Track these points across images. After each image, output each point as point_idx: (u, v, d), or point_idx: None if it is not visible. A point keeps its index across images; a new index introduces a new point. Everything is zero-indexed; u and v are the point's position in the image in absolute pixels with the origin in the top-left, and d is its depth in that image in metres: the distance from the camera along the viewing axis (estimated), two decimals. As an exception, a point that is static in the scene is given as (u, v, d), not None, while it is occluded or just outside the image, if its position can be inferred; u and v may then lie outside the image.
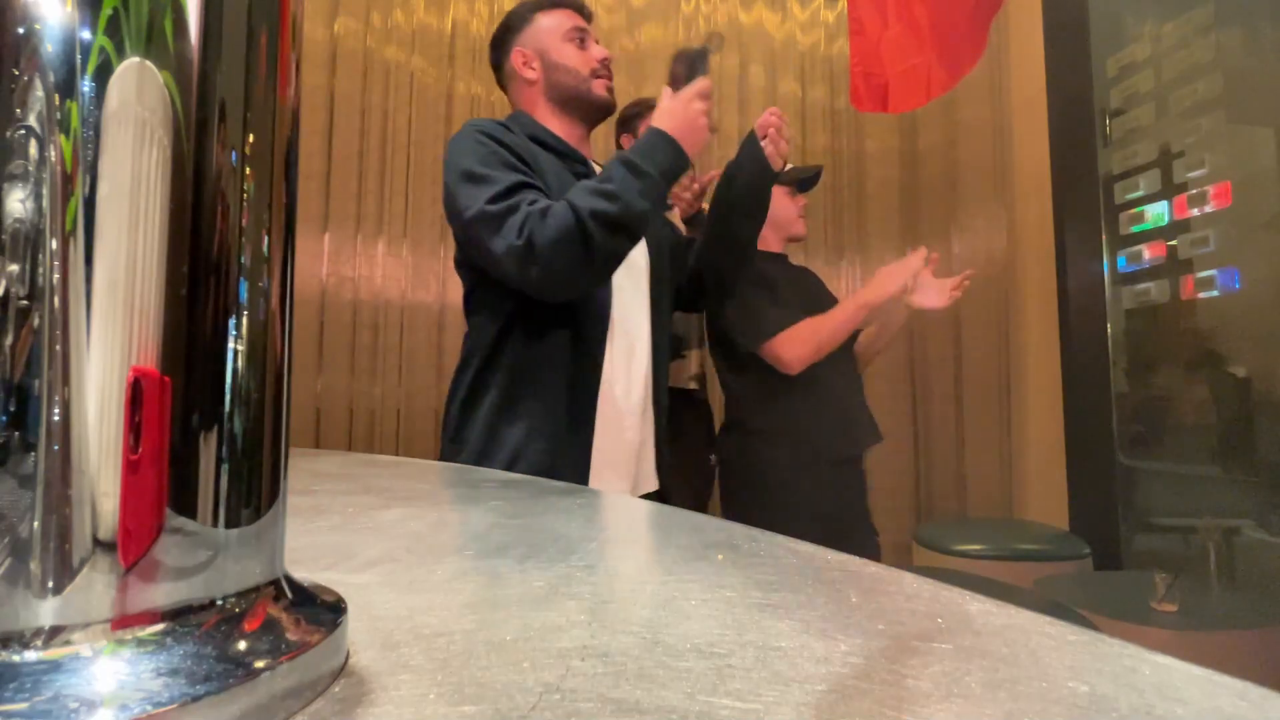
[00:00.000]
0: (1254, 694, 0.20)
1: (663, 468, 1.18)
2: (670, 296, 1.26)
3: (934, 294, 1.60)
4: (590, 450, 1.03)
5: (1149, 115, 2.18)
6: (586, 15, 1.21)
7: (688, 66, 1.07)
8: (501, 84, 1.25)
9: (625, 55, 2.71)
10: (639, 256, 1.16)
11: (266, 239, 0.20)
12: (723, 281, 1.35)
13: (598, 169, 1.16)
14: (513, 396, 1.03)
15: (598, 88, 1.17)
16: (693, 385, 1.74)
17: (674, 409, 1.31)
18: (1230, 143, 1.94)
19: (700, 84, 1.02)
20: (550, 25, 1.18)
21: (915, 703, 0.19)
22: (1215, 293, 1.96)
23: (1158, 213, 2.13)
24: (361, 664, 0.21)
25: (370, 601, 0.27)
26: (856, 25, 1.98)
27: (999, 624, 0.26)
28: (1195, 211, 2.02)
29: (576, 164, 1.14)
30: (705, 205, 1.60)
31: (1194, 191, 2.02)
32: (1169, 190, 2.10)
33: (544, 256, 0.93)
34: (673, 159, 1.01)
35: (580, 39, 1.17)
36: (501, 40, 1.22)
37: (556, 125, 1.17)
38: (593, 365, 1.04)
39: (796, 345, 1.55)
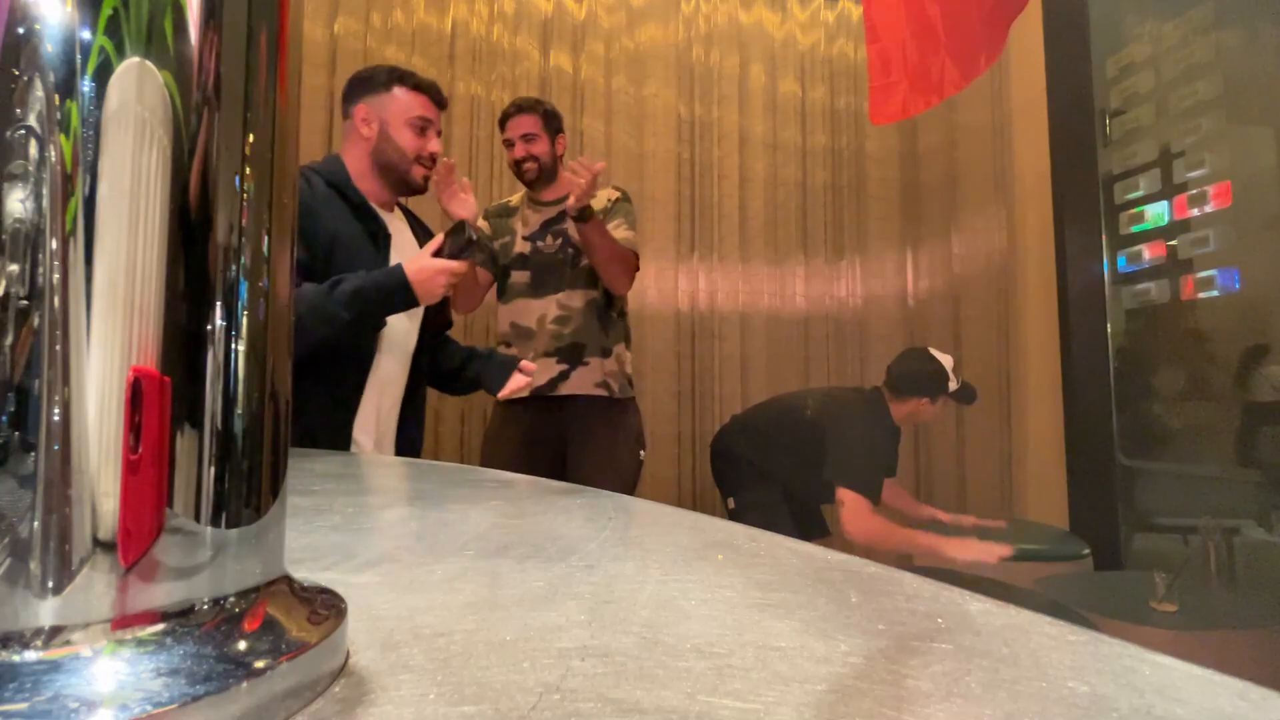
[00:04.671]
0: (1254, 694, 0.20)
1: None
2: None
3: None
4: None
5: (1149, 115, 2.18)
6: (441, 105, 1.40)
7: (456, 245, 1.23)
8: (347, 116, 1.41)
9: (625, 55, 2.71)
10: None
11: (266, 239, 0.20)
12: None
13: (385, 220, 1.37)
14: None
15: (416, 174, 1.37)
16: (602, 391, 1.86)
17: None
18: (1230, 143, 1.94)
19: (456, 265, 1.22)
20: (400, 105, 1.35)
21: (915, 703, 0.19)
22: (1215, 293, 1.95)
23: (1158, 213, 2.13)
24: (361, 664, 0.21)
25: (370, 601, 0.27)
26: (872, 33, 1.96)
27: (999, 624, 0.26)
28: (1195, 211, 2.02)
29: (369, 218, 1.33)
30: (593, 199, 1.67)
31: (1194, 191, 2.02)
32: (1169, 190, 2.10)
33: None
34: (402, 303, 1.21)
35: (421, 127, 1.36)
36: (350, 93, 1.38)
37: (369, 183, 1.35)
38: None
39: None
